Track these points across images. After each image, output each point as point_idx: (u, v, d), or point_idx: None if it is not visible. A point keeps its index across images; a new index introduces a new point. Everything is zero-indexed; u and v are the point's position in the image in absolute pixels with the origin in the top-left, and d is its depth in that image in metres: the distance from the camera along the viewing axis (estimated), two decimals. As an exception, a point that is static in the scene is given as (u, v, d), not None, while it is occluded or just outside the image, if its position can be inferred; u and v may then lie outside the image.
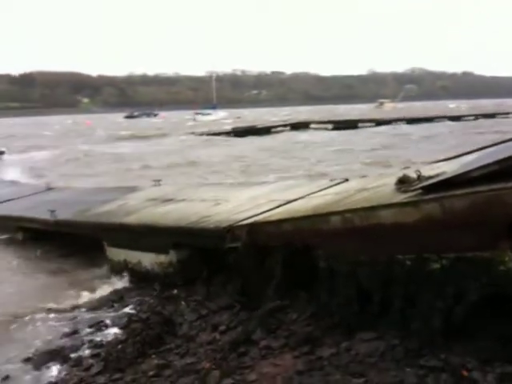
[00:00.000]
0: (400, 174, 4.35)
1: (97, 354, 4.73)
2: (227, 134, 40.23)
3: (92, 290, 6.60)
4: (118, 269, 6.88)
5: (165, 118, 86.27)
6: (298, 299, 4.49)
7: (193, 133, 41.92)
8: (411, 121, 44.19)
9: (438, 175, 3.94)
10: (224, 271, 5.58)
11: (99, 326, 5.43)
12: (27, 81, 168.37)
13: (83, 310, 5.98)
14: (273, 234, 4.70)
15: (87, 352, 4.86)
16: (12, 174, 19.22)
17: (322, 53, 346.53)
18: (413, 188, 3.85)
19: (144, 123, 73.30)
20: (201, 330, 4.71)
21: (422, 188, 3.72)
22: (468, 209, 3.21)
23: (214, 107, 72.65)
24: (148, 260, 6.44)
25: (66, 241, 8.42)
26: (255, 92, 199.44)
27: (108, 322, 5.50)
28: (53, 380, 4.42)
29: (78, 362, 4.68)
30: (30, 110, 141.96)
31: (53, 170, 21.68)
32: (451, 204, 3.29)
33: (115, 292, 6.40)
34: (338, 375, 3.39)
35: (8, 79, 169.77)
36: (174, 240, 6.12)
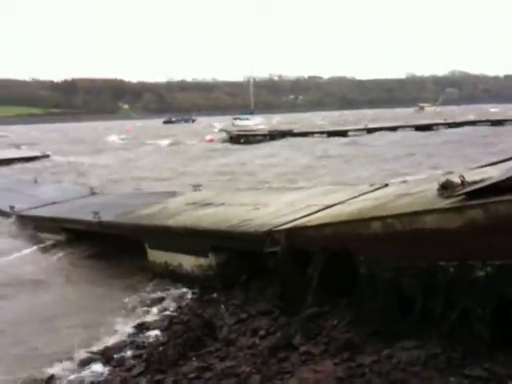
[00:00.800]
0: (442, 179, 4.28)
1: (139, 355, 4.82)
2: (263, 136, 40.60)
3: (133, 291, 6.73)
4: (158, 270, 7.01)
5: (201, 123, 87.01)
6: (337, 305, 4.47)
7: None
8: (453, 125, 43.12)
9: (482, 180, 3.86)
10: (263, 275, 5.61)
11: (141, 327, 5.54)
12: (69, 87, 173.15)
13: (124, 311, 6.10)
14: (312, 239, 4.69)
15: (129, 353, 4.96)
16: (57, 177, 19.80)
17: (360, 56, 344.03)
18: (456, 193, 3.78)
19: (190, 127, 74.61)
20: (240, 334, 4.74)
21: (465, 193, 3.65)
22: (514, 215, 3.13)
23: (251, 112, 72.85)
24: (188, 262, 6.53)
25: (108, 242, 8.62)
26: (292, 97, 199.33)
27: (149, 323, 5.61)
28: (96, 380, 4.52)
29: (121, 362, 4.79)
30: (72, 115, 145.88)
31: (96, 172, 22.20)
32: (496, 210, 3.22)
33: (156, 294, 6.51)
34: (379, 383, 3.36)
35: (51, 85, 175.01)
36: (213, 243, 6.18)
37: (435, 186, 4.28)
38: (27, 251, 9.13)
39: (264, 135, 40.75)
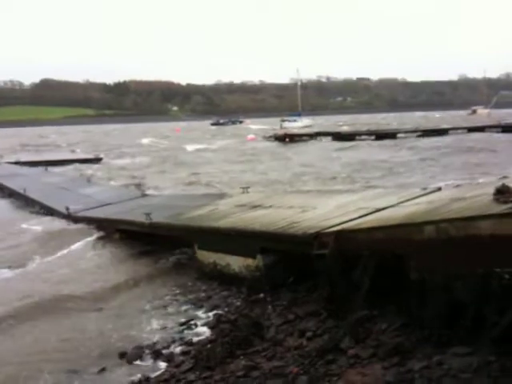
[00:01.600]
0: (498, 184, 4.18)
1: (187, 352, 4.94)
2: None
3: (182, 289, 6.89)
4: (206, 270, 7.12)
5: (249, 124, 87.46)
6: (386, 309, 4.42)
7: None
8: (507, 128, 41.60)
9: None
10: (310, 278, 5.61)
11: (189, 324, 5.65)
12: (121, 89, 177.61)
13: (174, 308, 6.25)
14: (362, 242, 4.66)
15: (178, 349, 5.08)
16: (110, 178, 20.39)
17: (410, 58, 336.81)
18: (513, 199, 3.69)
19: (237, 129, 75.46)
20: (288, 335, 4.76)
21: (523, 199, 3.56)
22: None
23: (298, 114, 72.59)
24: (236, 263, 6.61)
25: (159, 242, 8.84)
26: (340, 99, 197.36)
27: (197, 321, 5.72)
28: (145, 374, 4.63)
29: (170, 358, 4.90)
30: (124, 117, 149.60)
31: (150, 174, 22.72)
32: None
33: (204, 292, 6.63)
34: (429, 389, 3.31)
35: (104, 88, 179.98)
36: (261, 245, 6.24)
37: (490, 190, 4.19)
38: (82, 248, 9.47)
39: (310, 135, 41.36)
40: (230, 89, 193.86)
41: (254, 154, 31.37)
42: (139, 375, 4.64)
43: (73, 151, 36.68)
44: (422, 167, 20.66)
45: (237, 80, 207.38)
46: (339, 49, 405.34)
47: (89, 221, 10.78)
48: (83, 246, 9.56)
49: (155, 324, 5.80)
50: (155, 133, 68.35)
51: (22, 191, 15.30)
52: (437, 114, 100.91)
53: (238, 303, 6.01)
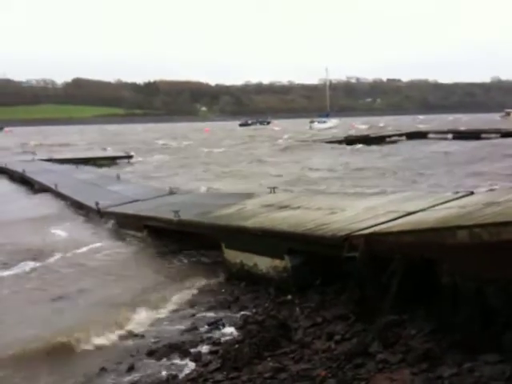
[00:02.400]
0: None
1: (215, 351, 4.94)
2: (339, 142, 39.96)
3: (209, 288, 6.92)
4: (233, 270, 7.14)
5: (277, 125, 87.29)
6: (416, 314, 4.37)
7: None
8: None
9: None
10: (339, 280, 5.57)
11: (217, 324, 5.65)
12: (151, 89, 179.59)
13: (202, 307, 6.27)
14: (393, 246, 4.61)
15: (206, 348, 5.09)
16: (138, 176, 20.63)
17: (441, 60, 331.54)
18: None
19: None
20: (315, 338, 4.74)
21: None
22: None
23: (326, 115, 72.33)
24: (263, 264, 6.60)
25: (186, 240, 8.90)
26: (369, 100, 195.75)
27: (225, 321, 5.72)
28: (173, 373, 4.65)
29: (198, 357, 4.91)
30: (154, 117, 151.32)
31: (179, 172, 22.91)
32: None
33: (231, 292, 6.64)
34: (459, 396, 3.26)
35: (134, 87, 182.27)
36: (289, 245, 6.22)
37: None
38: (110, 243, 9.61)
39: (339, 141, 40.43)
40: (259, 89, 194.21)
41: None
42: (167, 373, 4.66)
43: (104, 149, 37.22)
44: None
45: (265, 80, 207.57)
46: (369, 50, 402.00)
47: (117, 216, 10.93)
48: (110, 240, 9.77)
49: (183, 324, 5.83)
50: (184, 132, 68.87)
51: (53, 186, 15.72)
52: (466, 117, 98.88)
53: (266, 304, 5.99)
